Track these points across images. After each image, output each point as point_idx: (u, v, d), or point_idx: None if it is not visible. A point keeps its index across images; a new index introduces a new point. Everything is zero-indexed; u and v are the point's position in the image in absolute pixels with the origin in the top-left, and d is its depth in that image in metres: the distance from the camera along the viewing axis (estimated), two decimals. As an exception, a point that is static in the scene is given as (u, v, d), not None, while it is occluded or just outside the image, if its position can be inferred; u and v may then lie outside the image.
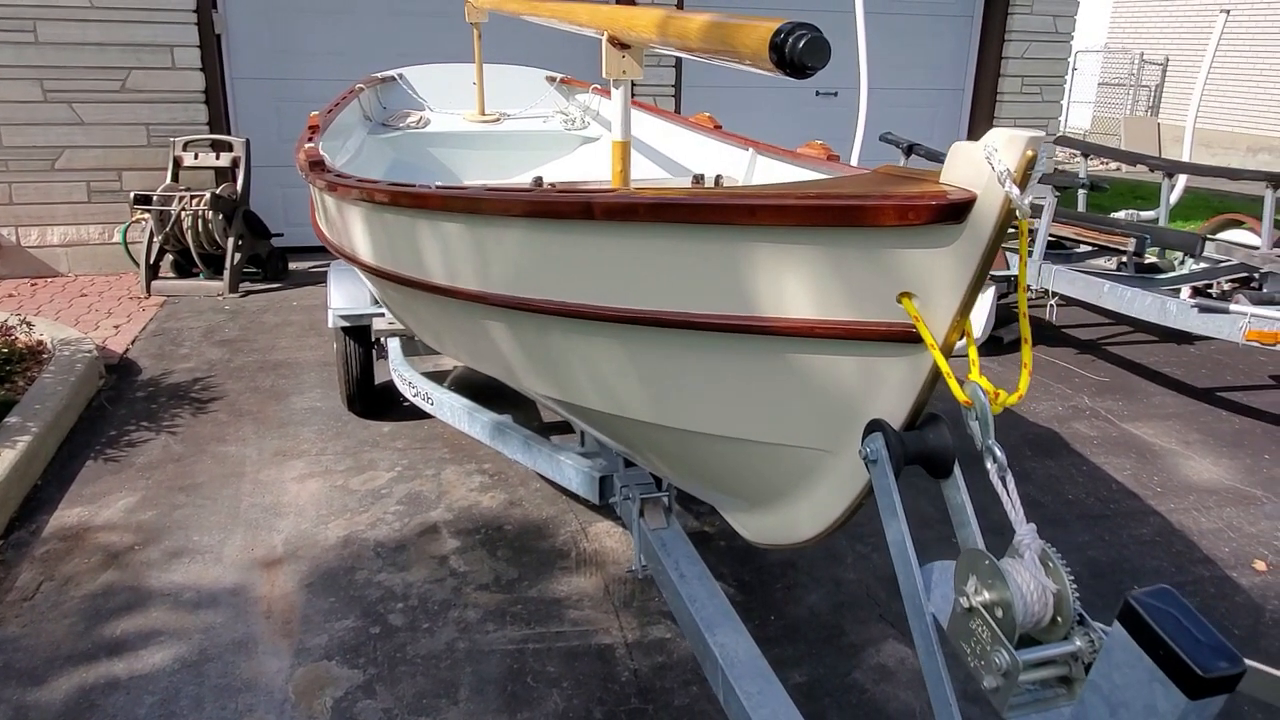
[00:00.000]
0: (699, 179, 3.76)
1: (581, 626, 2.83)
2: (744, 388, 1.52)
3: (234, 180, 6.40)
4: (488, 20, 4.81)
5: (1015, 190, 1.09)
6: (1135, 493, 3.82)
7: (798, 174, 3.15)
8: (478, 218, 1.82)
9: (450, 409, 3.13)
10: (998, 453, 1.19)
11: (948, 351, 1.25)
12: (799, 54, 1.38)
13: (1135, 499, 3.76)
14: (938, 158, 6.25)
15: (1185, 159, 6.91)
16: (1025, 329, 1.29)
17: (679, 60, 7.50)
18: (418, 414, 4.25)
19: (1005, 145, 1.10)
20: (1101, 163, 12.95)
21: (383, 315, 3.93)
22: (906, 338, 1.29)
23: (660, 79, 7.43)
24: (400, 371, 3.46)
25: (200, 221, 6.07)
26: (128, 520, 3.37)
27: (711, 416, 1.60)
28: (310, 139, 3.43)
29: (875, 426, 1.31)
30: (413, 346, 3.87)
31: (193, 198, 6.02)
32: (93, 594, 2.93)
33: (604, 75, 2.33)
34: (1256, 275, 5.10)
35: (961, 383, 1.22)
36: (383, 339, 3.83)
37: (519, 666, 2.65)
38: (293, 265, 6.86)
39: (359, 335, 4.06)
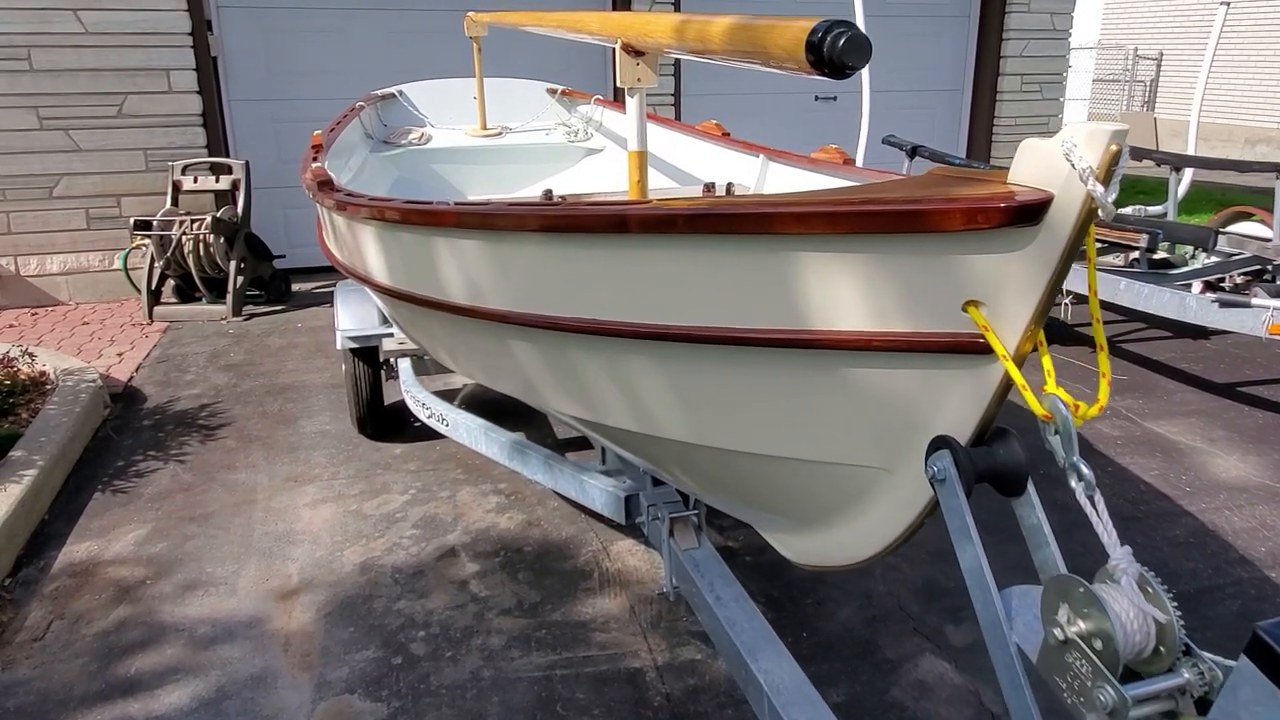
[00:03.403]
0: (709, 187, 3.70)
1: (609, 650, 2.75)
2: (793, 404, 1.45)
3: (234, 203, 6.34)
4: (487, 34, 4.76)
5: (1099, 189, 1.03)
6: (1165, 493, 3.74)
7: (815, 180, 3.09)
8: (500, 234, 1.75)
9: (466, 430, 3.06)
10: (1084, 470, 1.12)
11: (1020, 362, 1.18)
12: (839, 53, 1.31)
13: (1165, 499, 3.69)
14: (943, 159, 6.19)
15: (1190, 153, 6.86)
16: (1100, 335, 1.22)
17: (678, 68, 7.46)
18: (429, 435, 4.18)
19: (1086, 141, 1.04)
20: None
21: (392, 335, 3.87)
22: (973, 349, 1.22)
23: (660, 87, 7.39)
24: (413, 393, 3.39)
25: (202, 245, 6.01)
26: (138, 553, 3.29)
27: (756, 435, 1.53)
28: (315, 158, 3.37)
29: (941, 444, 1.23)
30: (423, 366, 3.81)
31: (193, 221, 5.96)
32: (105, 632, 2.85)
33: (618, 84, 2.27)
34: (1269, 268, 5.04)
35: (1038, 395, 1.15)
36: (393, 360, 3.76)
37: (547, 694, 2.57)
38: (296, 286, 6.80)
39: (368, 356, 3.99)
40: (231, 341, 5.69)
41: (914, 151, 6.23)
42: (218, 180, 6.39)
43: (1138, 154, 6.48)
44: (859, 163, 6.21)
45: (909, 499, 1.39)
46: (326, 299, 6.60)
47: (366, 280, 2.64)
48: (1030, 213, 1.09)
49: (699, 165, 4.09)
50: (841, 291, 1.29)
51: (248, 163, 6.37)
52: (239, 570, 3.19)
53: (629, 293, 1.56)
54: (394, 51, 7.03)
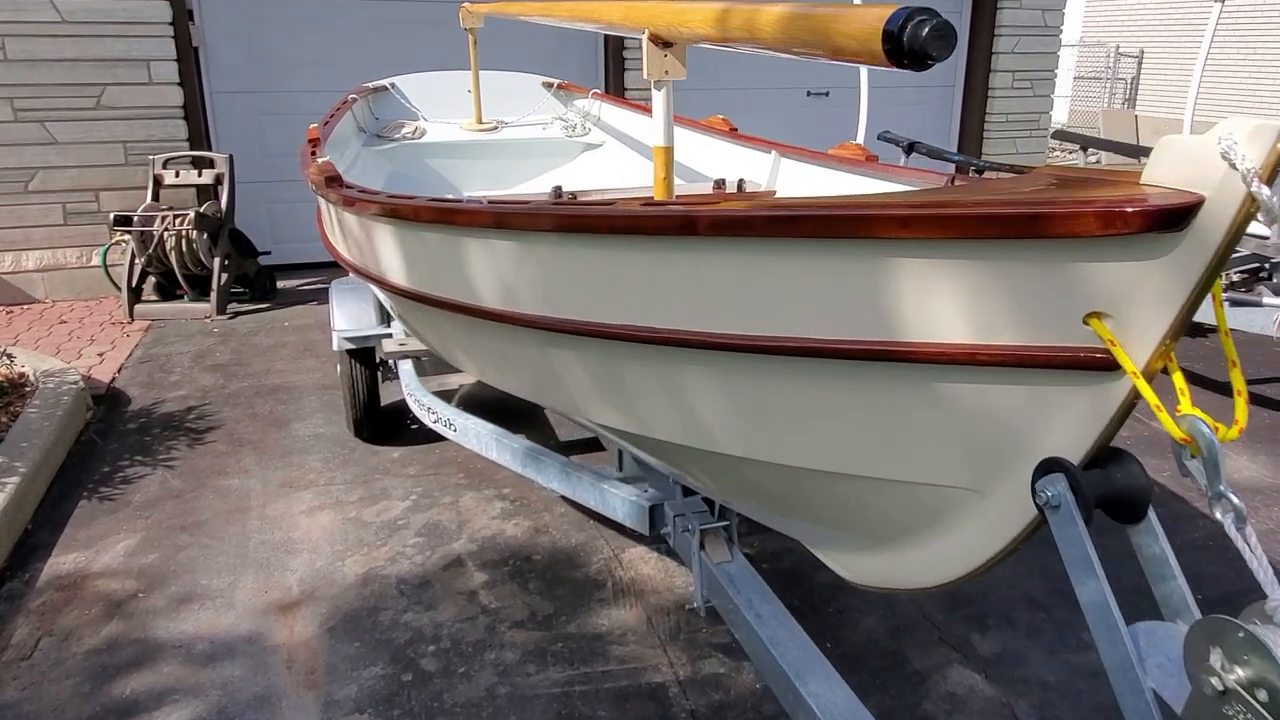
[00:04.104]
0: (720, 184, 3.60)
1: (629, 664, 2.65)
2: (876, 420, 1.35)
3: (217, 198, 6.17)
4: (483, 25, 4.63)
5: (1265, 191, 0.93)
6: (1179, 494, 3.69)
7: (833, 177, 2.99)
8: (544, 236, 1.64)
9: (476, 436, 2.93)
10: (1234, 499, 1.03)
11: (1148, 380, 1.09)
12: (923, 42, 1.21)
13: (1180, 501, 3.64)
14: (940, 156, 6.13)
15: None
16: (1230, 349, 1.13)
17: (671, 63, 7.34)
18: (428, 438, 4.05)
19: (1249, 138, 0.94)
20: (1068, 153, 12.96)
21: (390, 336, 3.74)
22: (1095, 365, 1.12)
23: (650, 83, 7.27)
24: (417, 396, 3.26)
25: (185, 241, 5.84)
26: (129, 565, 3.15)
27: (829, 452, 1.43)
28: (313, 152, 3.23)
29: (1054, 466, 1.14)
30: (421, 367, 3.68)
31: (176, 217, 5.78)
32: (96, 649, 2.71)
33: (645, 76, 2.17)
34: (1267, 266, 5.03)
35: (1174, 416, 1.06)
36: (392, 361, 3.63)
37: (567, 712, 2.46)
38: (281, 284, 6.63)
39: (364, 358, 3.86)
40: (217, 341, 5.52)
41: (910, 148, 6.16)
42: (200, 174, 6.21)
43: (1135, 151, 6.46)
44: None
45: (999, 523, 1.29)
46: (313, 297, 6.44)
47: (379, 281, 2.51)
48: (1177, 217, 0.99)
49: (707, 161, 3.99)
50: (943, 301, 1.19)
51: (231, 156, 6.19)
52: (236, 582, 3.06)
53: (692, 300, 1.45)
54: (382, 42, 6.86)
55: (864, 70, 5.79)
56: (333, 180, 2.57)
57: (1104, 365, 1.11)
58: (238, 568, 3.14)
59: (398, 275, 2.34)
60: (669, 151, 2.16)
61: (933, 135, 8.36)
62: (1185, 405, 1.06)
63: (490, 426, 2.92)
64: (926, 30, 1.21)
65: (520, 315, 1.80)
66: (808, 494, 1.55)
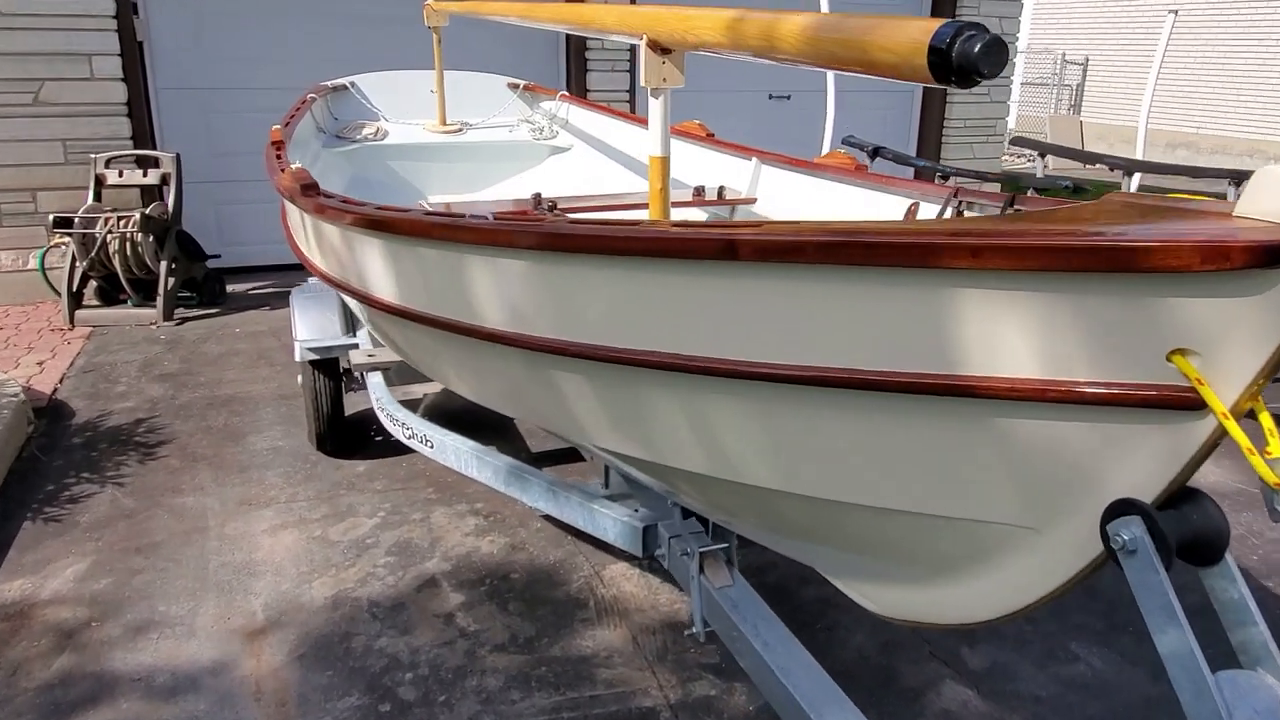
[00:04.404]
0: (699, 191, 3.53)
1: (617, 688, 2.57)
2: (931, 456, 1.28)
3: (163, 198, 5.92)
4: (448, 24, 4.50)
5: None
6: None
7: (821, 186, 2.93)
8: (562, 256, 1.53)
9: (455, 453, 2.81)
10: None
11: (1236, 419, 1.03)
12: (974, 59, 1.15)
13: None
14: (906, 161, 6.15)
15: (1139, 157, 6.99)
16: None
17: (632, 64, 7.27)
18: (394, 450, 3.92)
19: None
20: (1023, 158, 13.21)
21: (357, 346, 3.59)
22: (1175, 403, 1.06)
23: (613, 85, 7.19)
24: (390, 411, 3.12)
25: (129, 244, 5.59)
26: (80, 591, 2.96)
27: (872, 486, 1.36)
28: (279, 155, 3.08)
29: (1130, 508, 1.08)
30: (388, 377, 3.53)
31: (120, 219, 5.53)
32: (48, 684, 2.54)
33: (641, 84, 2.08)
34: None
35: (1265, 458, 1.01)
36: (360, 373, 3.48)
37: (556, 741, 2.37)
38: (231, 288, 6.40)
39: (328, 368, 3.70)
40: (164, 348, 5.29)
41: (875, 153, 6.16)
42: (145, 174, 5.96)
43: (1092, 158, 6.57)
44: None
45: (1054, 563, 1.23)
46: (265, 301, 6.23)
47: (365, 297, 2.37)
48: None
49: (684, 168, 3.91)
50: (1012, 334, 1.12)
51: (178, 155, 5.94)
52: (196, 608, 2.90)
53: (730, 327, 1.36)
54: (337, 40, 6.66)
55: (830, 75, 5.78)
56: (309, 189, 2.43)
57: (1187, 404, 1.06)
58: (197, 592, 2.98)
59: (386, 292, 2.21)
60: (666, 162, 2.08)
61: (893, 139, 8.41)
62: (1276, 448, 1.01)
63: (470, 443, 2.80)
64: (978, 47, 1.14)
65: (529, 338, 1.69)
66: (842, 527, 1.48)
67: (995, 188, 5.91)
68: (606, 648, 2.73)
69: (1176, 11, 6.76)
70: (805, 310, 1.28)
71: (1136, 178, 6.75)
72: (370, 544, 3.28)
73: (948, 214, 2.39)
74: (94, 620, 2.82)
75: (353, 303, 2.72)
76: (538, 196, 3.15)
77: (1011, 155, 12.35)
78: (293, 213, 2.96)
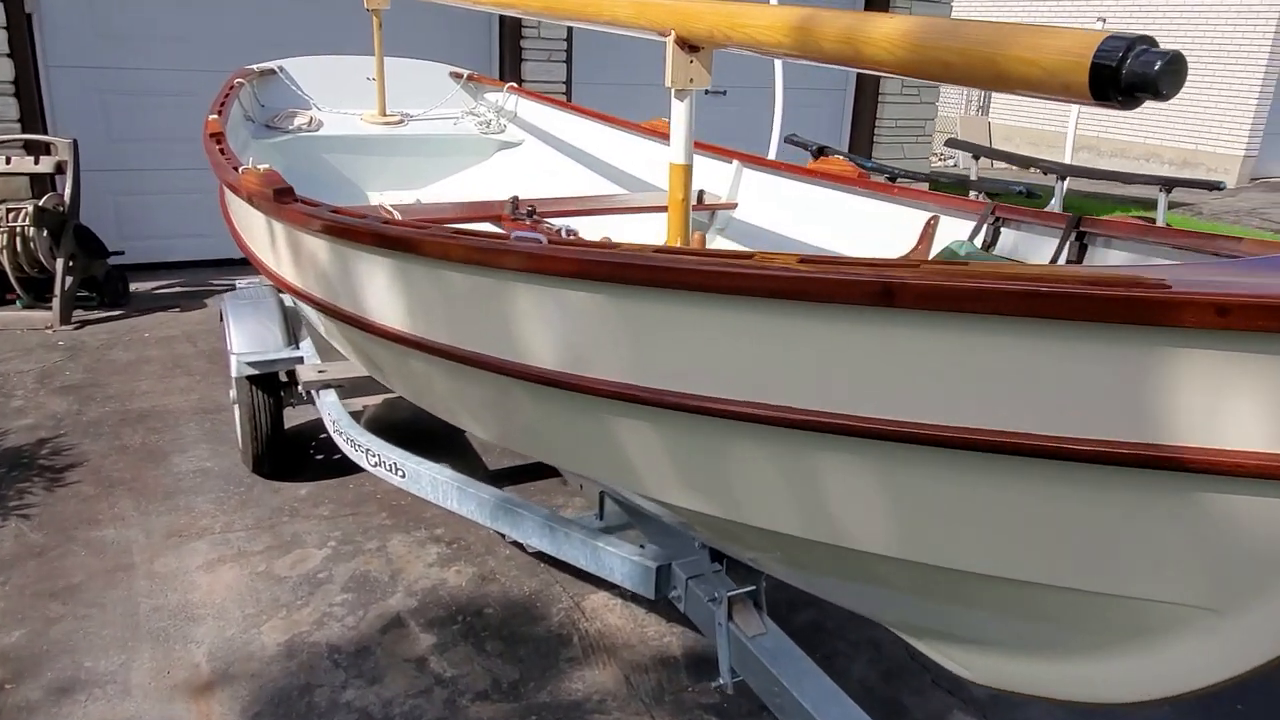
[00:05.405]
0: (675, 194, 3.33)
1: (616, 737, 2.37)
2: (1098, 530, 1.13)
3: (58, 189, 5.38)
4: (389, 7, 4.18)
5: None
6: None
7: (805, 191, 2.79)
8: (656, 293, 1.30)
9: (432, 484, 2.54)
10: None
11: None
12: (1153, 79, 1.00)
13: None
14: (853, 162, 6.12)
15: (1066, 161, 7.16)
16: None
17: (570, 54, 7.01)
18: (338, 469, 3.61)
19: None
20: (951, 159, 13.51)
21: (302, 360, 3.26)
22: None
23: (549, 75, 6.92)
24: (350, 435, 2.81)
25: (19, 239, 5.05)
26: (-13, 647, 2.59)
27: (1018, 559, 1.20)
28: (221, 150, 2.74)
29: None
30: (342, 392, 3.21)
31: (9, 211, 4.99)
32: (-44, 766, 2.18)
33: (666, 84, 1.89)
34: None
35: None
36: (310, 391, 3.15)
37: (558, 803, 2.16)
38: (134, 286, 5.88)
39: (268, 384, 3.36)
40: (65, 356, 4.80)
41: (820, 151, 6.10)
42: (36, 162, 5.40)
43: (1026, 162, 6.67)
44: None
45: (1230, 648, 1.09)
46: (174, 303, 5.74)
47: (354, 320, 2.06)
48: None
49: (654, 170, 3.71)
50: (1238, 404, 0.98)
51: (75, 141, 5.40)
52: (129, 661, 2.56)
53: (862, 380, 1.18)
54: (253, 18, 6.18)
55: (778, 71, 5.68)
56: (284, 193, 2.12)
57: None
58: (129, 643, 2.64)
59: (392, 318, 1.91)
60: (688, 170, 1.89)
61: (826, 137, 8.40)
62: None
63: (449, 472, 2.54)
64: (1159, 65, 0.99)
65: (593, 382, 1.46)
66: (960, 596, 1.32)
67: (925, 186, 5.90)
68: (599, 690, 2.54)
69: (1104, 20, 6.93)
70: (968, 365, 1.11)
71: (1067, 181, 6.92)
72: (323, 579, 2.99)
73: (982, 233, 2.28)
74: (7, 682, 2.46)
75: (333, 323, 2.41)
76: (515, 200, 2.90)
77: (937, 156, 12.60)
78: (248, 214, 2.63)
